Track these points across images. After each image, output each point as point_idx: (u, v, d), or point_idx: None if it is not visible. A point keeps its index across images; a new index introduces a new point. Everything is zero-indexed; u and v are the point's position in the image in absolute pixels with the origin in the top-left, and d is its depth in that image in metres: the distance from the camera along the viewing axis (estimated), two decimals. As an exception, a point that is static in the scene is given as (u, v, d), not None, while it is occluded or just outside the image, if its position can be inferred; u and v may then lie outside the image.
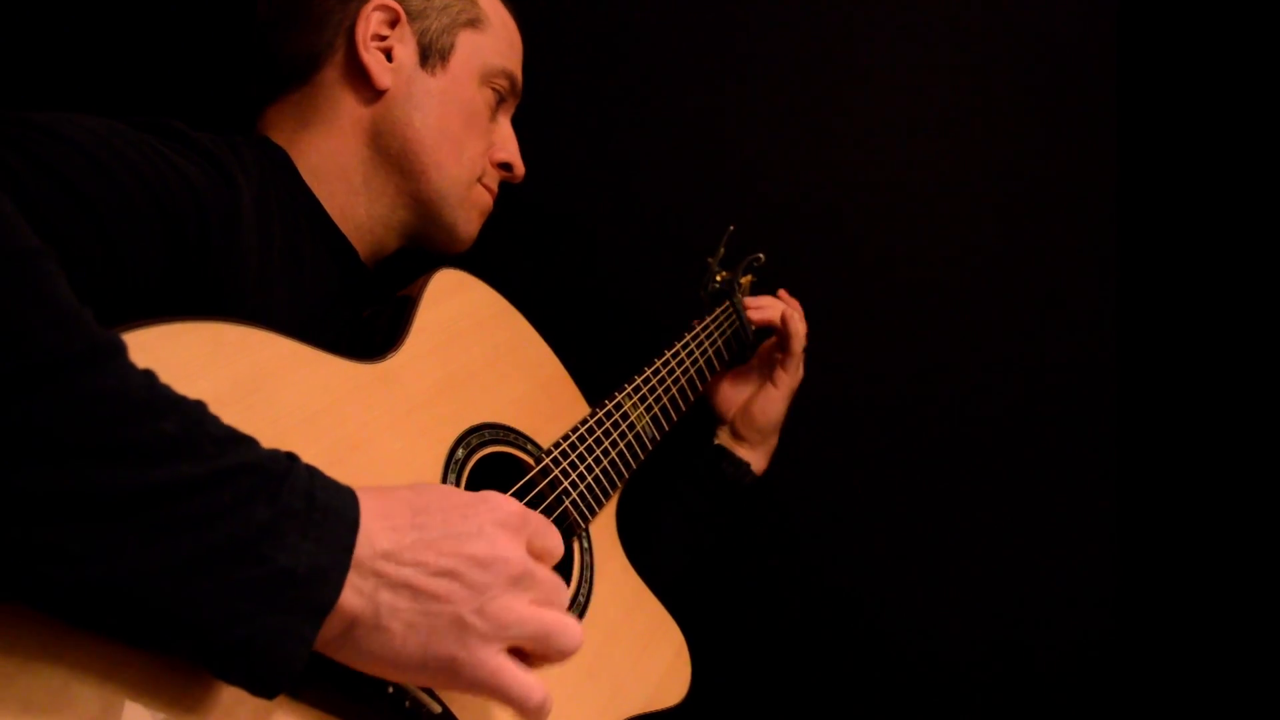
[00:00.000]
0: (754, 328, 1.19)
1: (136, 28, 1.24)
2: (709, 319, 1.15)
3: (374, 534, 0.54)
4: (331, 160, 0.87)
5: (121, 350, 0.49)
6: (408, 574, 0.54)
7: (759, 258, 1.21)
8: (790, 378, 1.15)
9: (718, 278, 1.21)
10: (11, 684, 0.46)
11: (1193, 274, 1.22)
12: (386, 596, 0.53)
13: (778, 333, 1.16)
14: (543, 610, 0.59)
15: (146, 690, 0.50)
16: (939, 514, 1.27)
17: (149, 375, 0.50)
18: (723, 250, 1.20)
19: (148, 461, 0.46)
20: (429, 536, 0.56)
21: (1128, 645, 1.22)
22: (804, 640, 1.28)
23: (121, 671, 0.49)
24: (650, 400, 1.02)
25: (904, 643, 1.26)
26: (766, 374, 1.17)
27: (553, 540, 0.63)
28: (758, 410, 1.15)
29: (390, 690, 0.60)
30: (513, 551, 0.58)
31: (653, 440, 1.02)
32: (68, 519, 0.44)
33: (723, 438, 1.18)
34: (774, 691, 1.28)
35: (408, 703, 0.61)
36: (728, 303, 1.18)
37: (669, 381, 1.05)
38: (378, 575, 0.53)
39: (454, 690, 0.62)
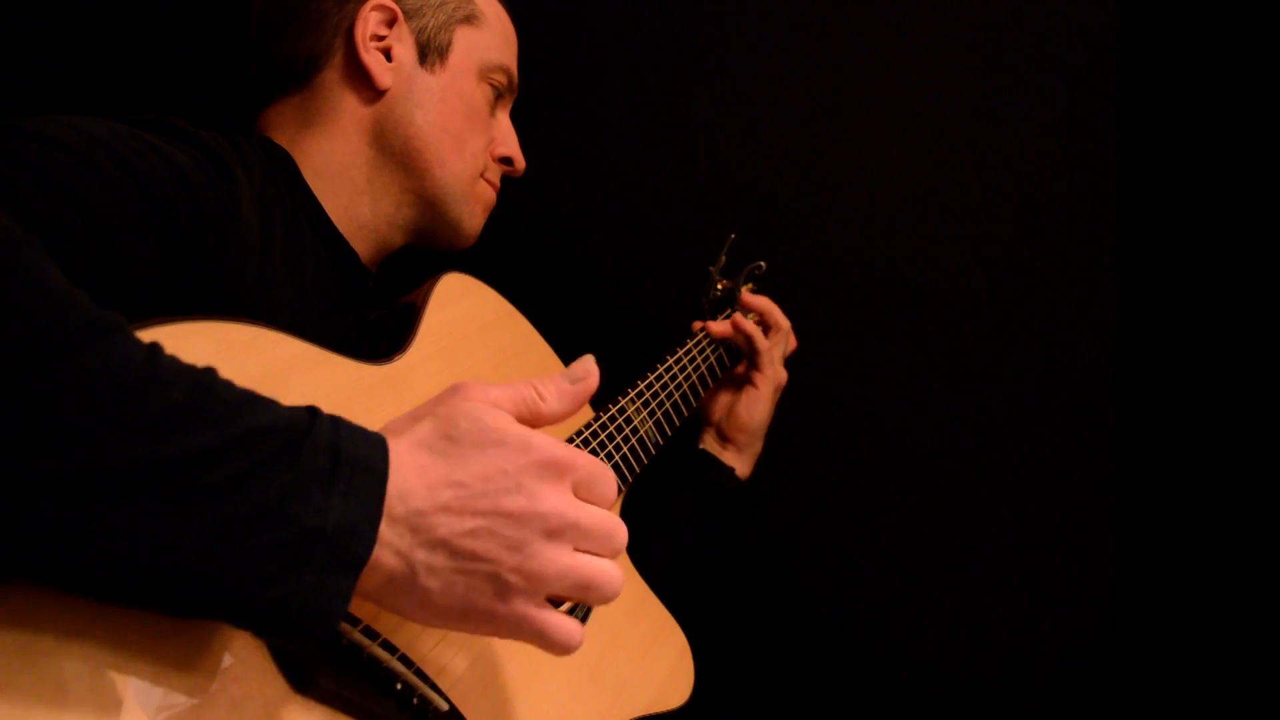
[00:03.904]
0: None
1: (138, 29, 1.25)
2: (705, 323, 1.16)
3: (408, 493, 0.53)
4: (334, 160, 0.88)
5: (121, 325, 0.48)
6: (444, 533, 0.53)
7: (760, 266, 1.21)
8: (768, 378, 1.15)
9: (719, 286, 1.21)
10: (14, 679, 0.46)
11: (1193, 274, 1.23)
12: (423, 555, 0.53)
13: (740, 341, 1.16)
14: (581, 561, 0.57)
15: (152, 687, 0.50)
16: (941, 516, 1.28)
17: (152, 347, 0.49)
18: (724, 258, 1.21)
19: (157, 434, 0.45)
20: (466, 494, 0.54)
21: (1127, 648, 1.22)
22: (806, 642, 1.28)
23: (127, 668, 0.49)
24: (654, 405, 1.02)
25: (905, 645, 1.26)
26: (748, 376, 1.17)
27: (602, 486, 0.59)
28: (743, 411, 1.15)
29: (398, 687, 0.61)
30: (551, 504, 0.56)
31: (656, 445, 1.02)
32: (81, 501, 0.43)
33: (707, 442, 1.17)
34: (776, 694, 1.28)
35: (415, 699, 0.61)
36: (729, 310, 1.19)
37: (672, 387, 1.06)
38: (414, 532, 0.53)
39: (493, 637, 0.61)
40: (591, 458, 0.60)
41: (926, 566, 1.27)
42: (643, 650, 0.89)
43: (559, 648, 0.57)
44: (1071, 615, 1.24)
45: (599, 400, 0.99)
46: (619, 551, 0.59)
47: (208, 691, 0.53)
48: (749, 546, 1.30)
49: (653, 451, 1.02)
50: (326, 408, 0.66)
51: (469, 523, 0.54)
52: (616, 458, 0.95)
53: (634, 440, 0.98)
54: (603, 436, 0.94)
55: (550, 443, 0.58)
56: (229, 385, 0.51)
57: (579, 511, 0.57)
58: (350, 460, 0.51)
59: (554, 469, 0.57)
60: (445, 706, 0.63)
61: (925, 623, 1.26)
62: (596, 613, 0.86)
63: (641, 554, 1.00)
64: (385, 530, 0.52)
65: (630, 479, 0.98)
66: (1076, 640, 1.23)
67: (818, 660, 1.27)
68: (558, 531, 0.56)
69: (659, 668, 0.89)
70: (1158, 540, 1.23)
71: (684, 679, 0.91)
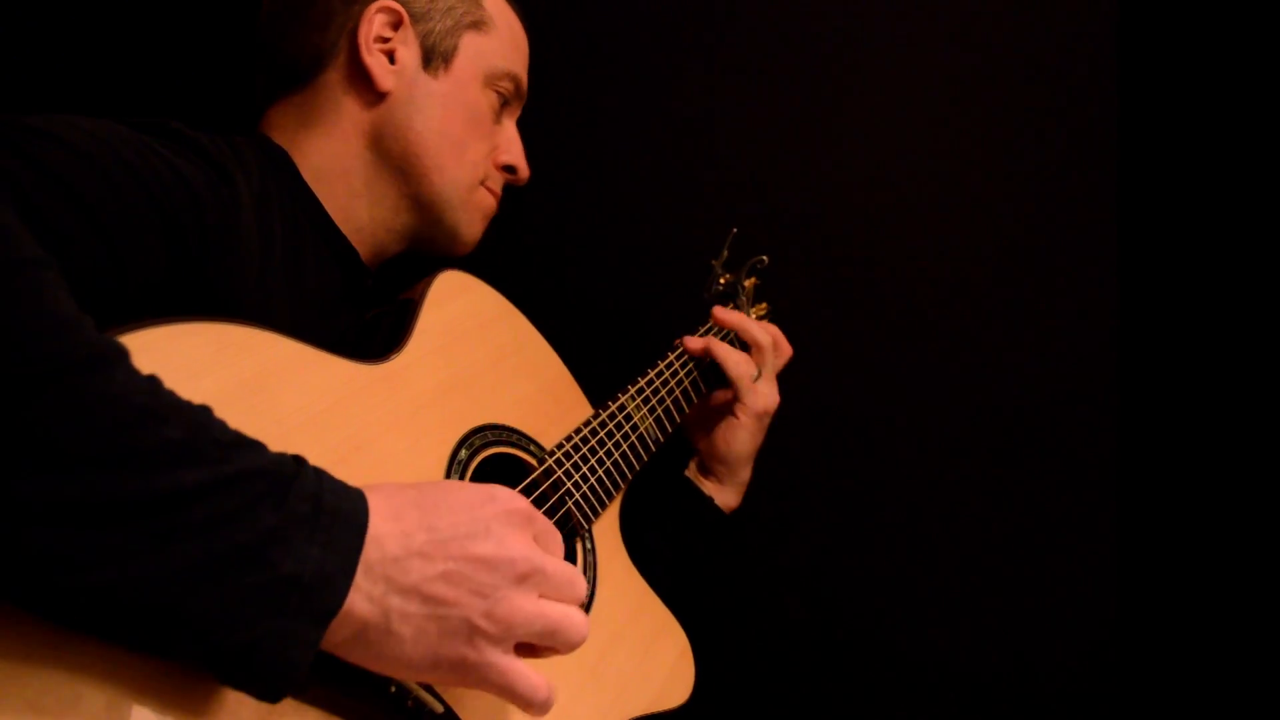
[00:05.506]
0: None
1: (138, 28, 1.25)
2: (712, 322, 1.15)
3: (383, 537, 0.54)
4: (333, 162, 0.87)
5: (124, 355, 0.49)
6: (416, 578, 0.54)
7: (762, 260, 1.21)
8: (747, 406, 1.06)
9: (721, 281, 1.21)
10: (15, 683, 0.46)
11: (1193, 274, 1.22)
12: (396, 601, 0.54)
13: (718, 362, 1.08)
14: (548, 606, 0.59)
15: (151, 689, 0.50)
16: (942, 518, 1.27)
17: (153, 380, 0.49)
18: (726, 253, 1.20)
19: (152, 468, 0.46)
20: (438, 538, 0.56)
21: (1128, 650, 1.22)
22: (806, 642, 1.28)
23: (126, 670, 0.49)
24: (654, 402, 1.02)
25: (906, 645, 1.26)
26: (729, 403, 1.08)
27: (555, 544, 0.63)
28: (721, 441, 1.08)
29: (392, 689, 0.60)
30: (519, 550, 0.58)
31: (656, 442, 1.02)
32: (71, 526, 0.44)
33: (691, 469, 1.12)
34: (777, 693, 1.27)
35: (410, 702, 0.61)
36: (731, 305, 1.19)
37: (672, 384, 1.06)
38: (388, 580, 0.54)
39: (462, 687, 0.63)
40: (548, 521, 0.63)
41: (927, 567, 1.27)
42: (643, 649, 0.88)
43: (525, 701, 0.59)
44: (1073, 617, 1.23)
45: (599, 397, 0.99)
46: (579, 600, 0.62)
47: (205, 694, 0.53)
48: (749, 547, 1.29)
49: (652, 448, 1.01)
50: (322, 407, 0.67)
51: (440, 566, 0.55)
52: (616, 455, 0.95)
53: (634, 438, 0.98)
54: (602, 434, 0.94)
55: (513, 494, 0.61)
56: (222, 425, 0.51)
57: (544, 558, 0.60)
58: (331, 511, 0.52)
59: (520, 517, 0.60)
60: (440, 709, 0.63)
61: (926, 623, 1.26)
62: (598, 612, 0.86)
63: (642, 554, 1.00)
64: (360, 578, 0.53)
65: (630, 476, 0.98)
66: (1077, 643, 1.23)
67: (818, 660, 1.27)
68: (525, 576, 0.58)
69: (660, 667, 0.89)
70: (1159, 540, 1.22)
71: (685, 678, 0.91)
